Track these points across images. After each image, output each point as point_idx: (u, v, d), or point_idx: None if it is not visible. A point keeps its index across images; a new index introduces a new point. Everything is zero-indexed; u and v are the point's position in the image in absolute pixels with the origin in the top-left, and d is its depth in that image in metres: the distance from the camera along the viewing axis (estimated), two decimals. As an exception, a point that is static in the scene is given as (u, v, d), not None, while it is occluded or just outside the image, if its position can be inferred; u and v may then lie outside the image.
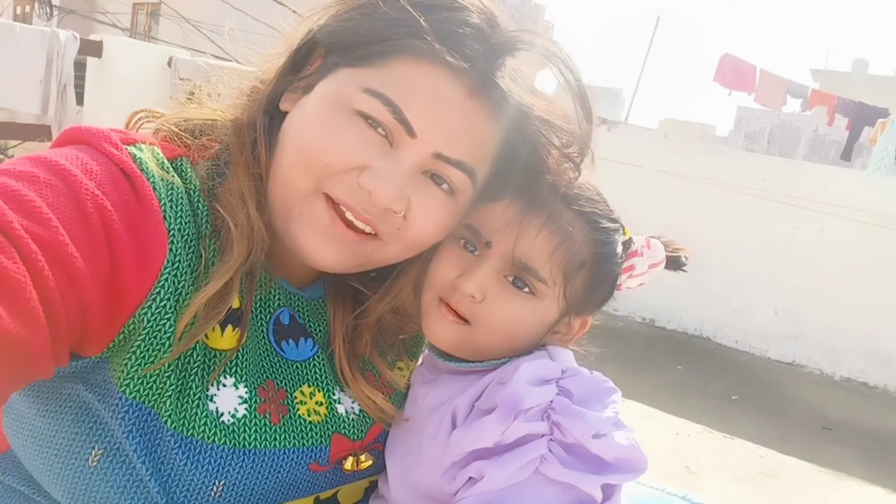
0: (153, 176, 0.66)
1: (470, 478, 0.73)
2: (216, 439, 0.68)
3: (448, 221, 0.75)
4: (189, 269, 0.66)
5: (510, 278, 0.78)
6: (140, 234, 0.63)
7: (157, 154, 0.69)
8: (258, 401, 0.73)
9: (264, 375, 0.75)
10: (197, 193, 0.70)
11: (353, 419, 0.80)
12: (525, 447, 0.71)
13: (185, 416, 0.67)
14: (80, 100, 4.46)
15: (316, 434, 0.76)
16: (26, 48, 4.05)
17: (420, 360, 0.92)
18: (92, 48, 4.48)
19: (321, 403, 0.78)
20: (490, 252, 0.78)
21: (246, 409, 0.71)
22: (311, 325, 0.82)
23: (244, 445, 0.70)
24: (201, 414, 0.68)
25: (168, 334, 0.65)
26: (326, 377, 0.80)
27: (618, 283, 0.85)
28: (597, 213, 0.81)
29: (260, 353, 0.75)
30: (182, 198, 0.68)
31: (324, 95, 0.71)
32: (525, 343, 0.81)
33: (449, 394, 0.80)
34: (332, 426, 0.78)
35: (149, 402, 0.66)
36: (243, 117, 0.77)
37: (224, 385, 0.71)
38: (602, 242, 0.80)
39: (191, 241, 0.67)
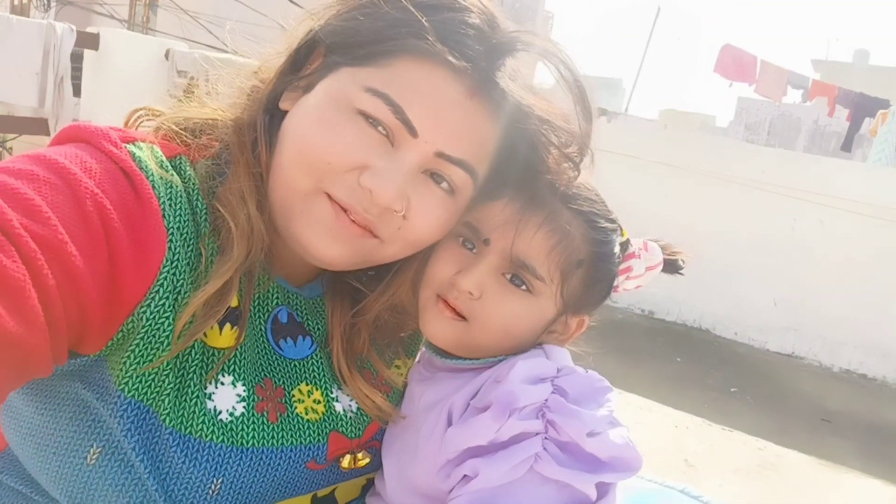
0: (152, 175, 0.66)
1: (464, 476, 0.73)
2: (214, 437, 0.69)
3: (448, 220, 0.75)
4: (188, 267, 0.66)
5: (508, 276, 0.79)
6: (139, 233, 0.63)
7: (157, 152, 0.69)
8: (256, 399, 0.73)
9: (262, 374, 0.75)
10: (196, 192, 0.70)
11: (350, 417, 0.81)
12: (519, 445, 0.71)
13: (183, 415, 0.67)
14: (77, 92, 4.45)
15: (313, 432, 0.77)
16: (23, 41, 4.03)
17: (417, 358, 0.92)
18: (89, 40, 4.47)
19: (319, 402, 0.78)
20: (488, 249, 0.78)
21: (244, 407, 0.72)
22: (310, 323, 0.82)
23: (242, 443, 0.70)
24: (199, 412, 0.68)
25: (167, 332, 0.65)
26: (324, 375, 0.80)
27: (615, 284, 0.86)
28: (595, 212, 0.81)
29: (258, 352, 0.75)
30: (181, 196, 0.68)
31: (325, 95, 0.71)
32: (522, 341, 0.81)
33: (445, 392, 0.80)
34: (330, 424, 0.78)
35: (147, 400, 0.66)
36: (244, 117, 0.77)
37: (222, 383, 0.71)
38: (600, 242, 0.81)
39: (190, 239, 0.67)
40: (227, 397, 0.71)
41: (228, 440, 0.70)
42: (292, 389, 0.77)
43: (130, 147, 0.67)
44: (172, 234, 0.65)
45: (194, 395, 0.68)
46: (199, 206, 0.70)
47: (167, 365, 0.66)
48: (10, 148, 6.84)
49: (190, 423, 0.68)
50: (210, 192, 0.72)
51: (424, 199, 0.72)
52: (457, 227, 0.79)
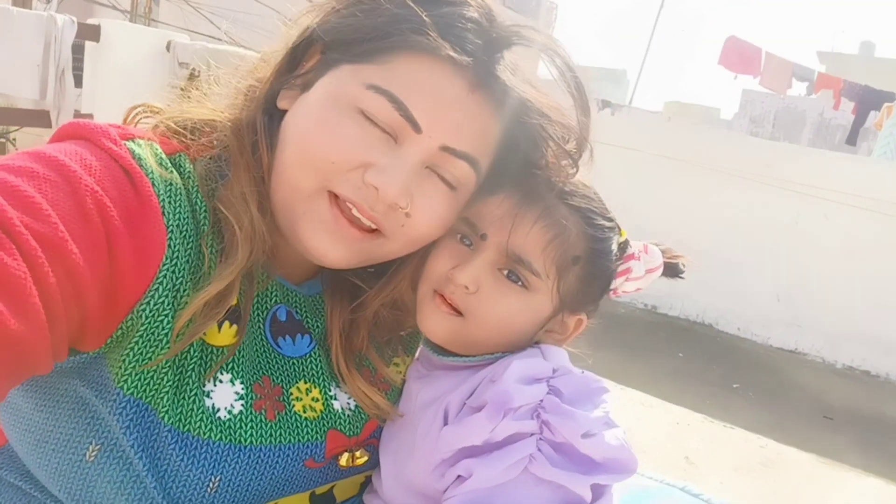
0: (152, 172, 0.66)
1: (458, 476, 0.73)
2: (212, 435, 0.69)
3: (450, 216, 0.76)
4: (187, 265, 0.67)
5: (504, 272, 0.79)
6: (139, 231, 0.63)
7: (156, 150, 0.69)
8: (254, 397, 0.73)
9: (260, 372, 0.75)
10: (196, 190, 0.70)
11: (348, 415, 0.81)
12: (514, 446, 0.71)
13: (181, 412, 0.68)
14: (78, 83, 4.45)
15: (311, 430, 0.77)
16: (24, 33, 4.04)
17: (416, 356, 0.92)
18: (90, 32, 4.47)
19: (317, 400, 0.79)
20: (485, 244, 0.78)
21: (242, 405, 0.72)
22: (309, 321, 0.82)
23: (240, 441, 0.71)
24: (198, 410, 0.69)
25: (166, 331, 0.65)
26: (323, 373, 0.80)
27: (614, 286, 0.86)
28: (592, 209, 0.81)
29: (257, 350, 0.76)
30: (181, 194, 0.68)
31: (325, 93, 0.71)
32: (518, 338, 0.81)
33: (442, 389, 0.80)
34: (328, 422, 0.78)
35: (146, 397, 0.66)
36: (242, 117, 0.77)
37: (221, 381, 0.71)
38: (596, 238, 0.81)
39: (189, 237, 0.68)
40: (225, 395, 0.71)
41: (227, 438, 0.70)
42: (290, 387, 0.77)
43: (130, 144, 0.67)
44: (172, 231, 0.65)
45: (193, 392, 0.69)
46: (199, 203, 0.70)
47: (166, 363, 0.67)
48: (14, 139, 6.85)
49: (188, 420, 0.68)
50: (211, 192, 0.72)
51: (427, 195, 0.72)
52: (455, 223, 0.79)
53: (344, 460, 0.80)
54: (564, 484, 0.69)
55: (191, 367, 0.69)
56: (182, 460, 0.67)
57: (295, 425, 0.75)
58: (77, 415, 0.67)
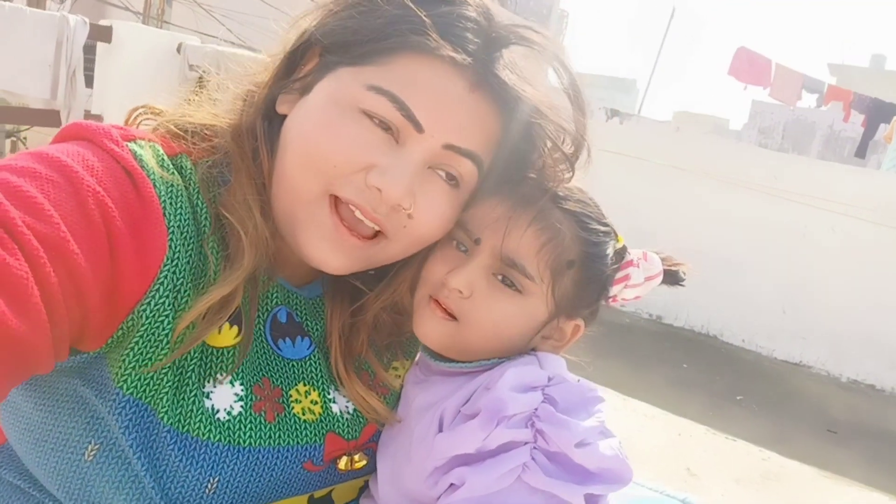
0: (153, 173, 0.66)
1: (452, 484, 0.72)
2: (211, 436, 0.69)
3: (452, 215, 0.76)
4: (188, 266, 0.67)
5: (499, 276, 0.79)
6: (140, 231, 0.63)
7: (158, 151, 0.69)
8: (254, 398, 0.73)
9: (260, 373, 0.75)
10: (197, 191, 0.70)
11: (347, 419, 0.81)
12: (507, 454, 0.70)
13: (181, 413, 0.68)
14: (89, 84, 4.48)
15: (310, 433, 0.77)
16: (36, 32, 4.07)
17: (416, 360, 0.92)
18: (101, 33, 4.50)
19: (316, 402, 0.79)
20: (479, 248, 0.79)
21: (241, 406, 0.72)
22: (309, 323, 0.82)
23: (239, 443, 0.70)
24: (197, 411, 0.69)
25: (166, 331, 0.65)
26: (322, 376, 0.80)
27: (613, 293, 0.85)
28: (586, 214, 0.81)
29: (257, 352, 0.76)
30: (182, 195, 0.68)
31: (325, 96, 0.71)
32: (513, 343, 0.81)
33: (439, 395, 0.80)
34: (327, 425, 0.78)
35: (145, 398, 0.66)
36: (241, 122, 0.77)
37: (220, 382, 0.71)
38: (591, 242, 0.80)
39: (190, 239, 0.67)
40: (225, 396, 0.71)
41: (225, 439, 0.70)
42: (290, 389, 0.77)
43: (132, 145, 0.67)
44: (173, 232, 0.65)
45: (192, 393, 0.69)
46: (200, 205, 0.70)
47: None
48: (25, 138, 6.90)
49: (188, 421, 0.68)
50: (213, 198, 0.72)
51: (430, 195, 0.73)
52: (451, 229, 0.78)
53: (343, 464, 0.79)
54: (558, 493, 0.69)
55: (191, 367, 0.69)
56: (181, 461, 0.67)
57: (294, 427, 0.75)
58: (76, 414, 0.67)
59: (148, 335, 0.64)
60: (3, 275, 0.51)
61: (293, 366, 0.78)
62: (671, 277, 0.88)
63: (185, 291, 0.66)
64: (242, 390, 0.72)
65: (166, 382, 0.67)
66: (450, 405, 0.77)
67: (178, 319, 0.66)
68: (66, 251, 0.56)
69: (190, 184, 0.70)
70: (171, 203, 0.66)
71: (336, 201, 0.71)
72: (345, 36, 0.72)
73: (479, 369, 0.80)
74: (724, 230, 6.49)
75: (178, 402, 0.68)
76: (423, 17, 0.68)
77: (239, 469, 0.70)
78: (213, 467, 0.69)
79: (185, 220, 0.67)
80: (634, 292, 0.86)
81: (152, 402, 0.66)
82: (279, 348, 0.78)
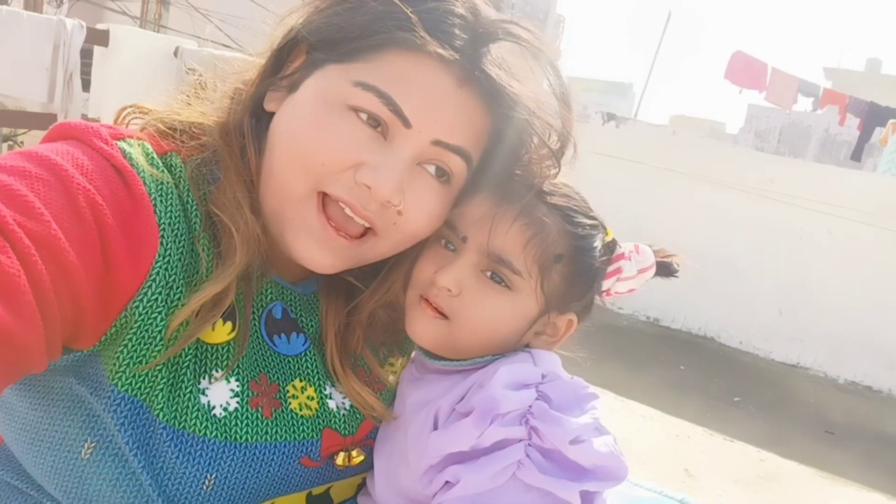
0: (143, 171, 0.66)
1: (447, 482, 0.72)
2: (208, 433, 0.69)
3: (441, 212, 0.76)
4: (180, 263, 0.67)
5: (488, 273, 0.79)
6: (131, 229, 0.63)
7: (147, 149, 0.69)
8: (250, 394, 0.73)
9: (257, 369, 0.75)
10: (187, 189, 0.70)
11: (343, 415, 0.81)
12: (502, 452, 0.70)
13: (176, 410, 0.68)
14: (86, 87, 4.48)
15: (307, 428, 0.77)
16: (33, 36, 4.07)
17: (412, 358, 0.92)
18: (98, 37, 4.49)
19: (312, 398, 0.79)
20: (466, 247, 0.79)
21: (237, 402, 0.72)
22: (304, 320, 0.82)
23: (235, 439, 0.71)
24: (193, 407, 0.69)
25: (159, 328, 0.65)
26: (318, 372, 0.81)
27: (606, 287, 0.85)
28: (572, 207, 0.81)
29: (252, 347, 0.76)
30: (172, 193, 0.68)
31: (313, 93, 0.71)
32: (505, 340, 0.81)
33: (434, 393, 0.80)
34: (323, 421, 0.79)
35: (141, 395, 0.66)
36: (229, 120, 0.77)
37: (216, 379, 0.71)
38: (578, 236, 0.80)
39: (181, 236, 0.67)
40: (220, 393, 0.71)
41: (222, 435, 0.70)
42: (287, 385, 0.77)
43: (121, 144, 0.67)
44: (164, 229, 0.65)
45: (188, 390, 0.69)
46: (191, 202, 0.70)
47: None
48: (21, 142, 6.89)
49: (184, 418, 0.68)
50: (203, 196, 0.72)
51: (419, 192, 0.72)
52: (439, 229, 0.79)
53: (340, 460, 0.80)
54: (553, 490, 0.69)
55: (186, 364, 0.69)
56: (177, 458, 0.67)
57: (291, 423, 0.75)
58: (72, 413, 0.67)
59: (141, 332, 0.64)
60: None
61: (289, 362, 0.79)
62: (664, 269, 0.88)
63: (178, 288, 0.66)
64: (238, 386, 0.72)
65: (161, 379, 0.67)
66: (444, 403, 0.77)
67: (171, 317, 0.66)
68: (57, 249, 0.56)
69: (180, 181, 0.70)
70: (161, 200, 0.66)
71: (324, 199, 0.71)
72: (331, 33, 0.71)
73: (473, 367, 0.80)
74: (722, 233, 6.50)
75: (173, 398, 0.68)
76: (410, 14, 0.68)
77: (236, 465, 0.70)
78: (209, 464, 0.69)
79: (175, 218, 0.67)
80: (628, 285, 0.85)
81: (148, 399, 0.66)
82: (274, 344, 0.78)
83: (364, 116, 0.69)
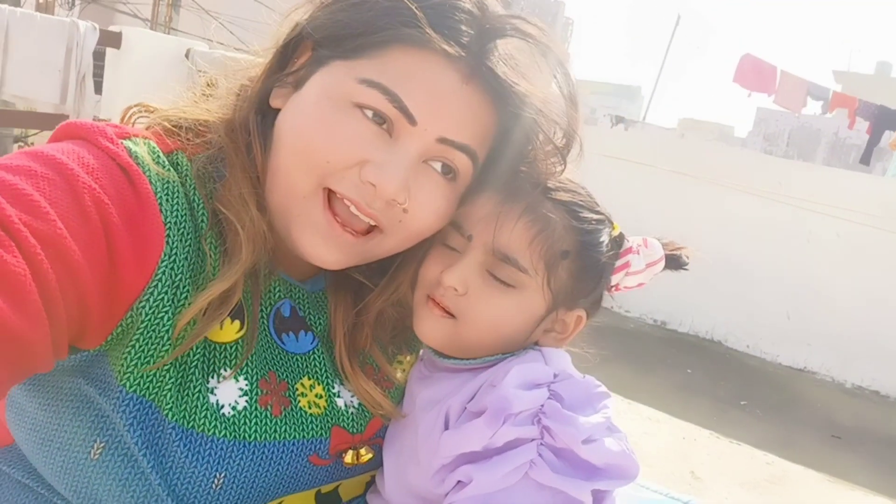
0: (149, 170, 0.66)
1: (459, 481, 0.72)
2: (217, 432, 0.69)
3: (447, 209, 0.75)
4: (186, 262, 0.67)
5: (494, 272, 0.78)
6: (137, 228, 0.63)
7: (153, 147, 0.69)
8: (259, 393, 0.73)
9: (266, 367, 0.75)
10: (193, 187, 0.70)
11: (352, 413, 0.81)
12: (514, 451, 0.70)
13: (185, 409, 0.68)
14: (98, 89, 4.51)
15: (316, 426, 0.77)
16: (46, 38, 4.09)
17: (420, 356, 0.92)
18: (111, 39, 4.52)
19: (321, 396, 0.79)
20: (472, 245, 0.78)
21: (246, 401, 0.72)
22: (312, 318, 0.82)
23: (244, 438, 0.71)
24: (202, 406, 0.69)
25: (166, 328, 0.65)
26: (326, 370, 0.81)
27: (614, 281, 0.84)
28: (577, 203, 0.80)
29: (261, 346, 0.76)
30: (178, 192, 0.68)
31: (318, 90, 0.71)
32: (513, 338, 0.80)
33: (444, 392, 0.80)
34: (332, 419, 0.79)
35: (149, 395, 0.66)
36: (235, 117, 0.76)
37: (224, 378, 0.71)
38: (584, 231, 0.80)
39: (188, 235, 0.67)
40: (229, 392, 0.71)
41: (231, 434, 0.70)
42: (295, 383, 0.77)
43: (127, 143, 0.67)
44: (170, 228, 0.65)
45: (196, 389, 0.69)
46: (197, 201, 0.70)
47: None
48: (32, 143, 6.94)
49: (192, 417, 0.68)
50: (209, 193, 0.71)
51: (425, 189, 0.72)
52: (444, 228, 0.78)
53: (349, 458, 0.79)
54: (565, 490, 0.69)
55: (194, 364, 0.69)
56: (186, 457, 0.67)
57: (300, 421, 0.75)
58: (81, 413, 0.67)
59: (148, 332, 0.64)
60: (1, 272, 0.51)
61: (297, 360, 0.78)
62: (673, 262, 0.86)
63: (184, 287, 0.66)
64: (247, 385, 0.72)
65: (169, 379, 0.67)
66: (455, 402, 0.77)
67: (177, 316, 0.65)
68: (63, 248, 0.56)
69: (186, 180, 0.70)
70: (167, 199, 0.66)
71: (330, 196, 0.71)
72: (336, 29, 0.71)
73: (482, 366, 0.80)
74: (729, 236, 6.47)
75: (182, 398, 0.68)
76: (415, 10, 0.67)
77: (245, 464, 0.70)
78: (219, 463, 0.69)
79: (181, 216, 0.67)
80: (636, 279, 0.84)
81: (156, 399, 0.66)
82: (283, 342, 0.78)
83: (369, 114, 0.69)
